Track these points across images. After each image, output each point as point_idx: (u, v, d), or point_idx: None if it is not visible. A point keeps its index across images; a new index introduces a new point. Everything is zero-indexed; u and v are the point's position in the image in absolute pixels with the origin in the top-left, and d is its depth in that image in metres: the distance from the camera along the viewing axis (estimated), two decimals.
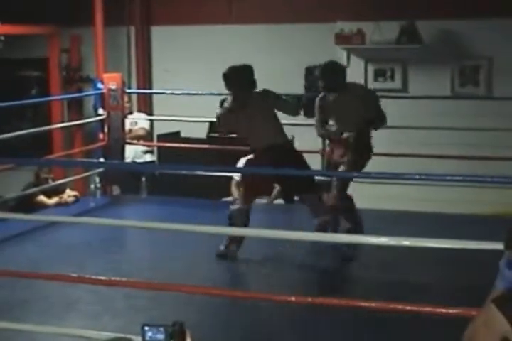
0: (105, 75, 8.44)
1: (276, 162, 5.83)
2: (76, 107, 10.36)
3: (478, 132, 8.06)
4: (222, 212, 6.37)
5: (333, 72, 6.59)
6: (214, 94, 8.58)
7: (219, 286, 5.37)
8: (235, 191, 8.71)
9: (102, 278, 4.56)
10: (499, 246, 2.77)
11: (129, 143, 8.59)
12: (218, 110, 6.42)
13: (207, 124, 9.07)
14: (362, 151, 6.47)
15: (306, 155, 9.56)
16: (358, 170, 6.30)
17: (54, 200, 8.20)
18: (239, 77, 6.37)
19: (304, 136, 9.26)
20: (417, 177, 4.97)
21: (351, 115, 6.45)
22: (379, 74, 9.01)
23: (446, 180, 4.31)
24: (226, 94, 8.82)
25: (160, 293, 5.07)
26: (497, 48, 8.57)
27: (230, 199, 8.62)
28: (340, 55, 8.96)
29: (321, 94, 6.63)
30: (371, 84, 9.00)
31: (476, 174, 6.00)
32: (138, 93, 9.95)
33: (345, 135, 6.48)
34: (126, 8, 10.08)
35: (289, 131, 6.63)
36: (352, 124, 6.48)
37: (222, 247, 6.27)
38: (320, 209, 6.21)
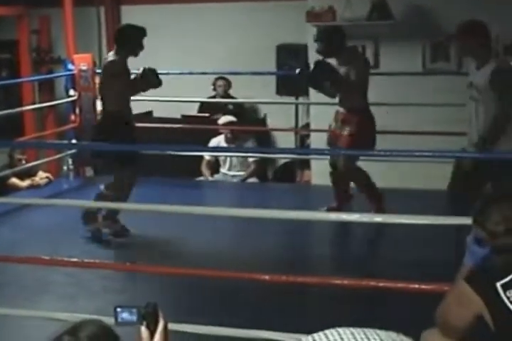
0: (76, 56, 8.37)
1: None
2: (47, 89, 10.28)
3: (450, 107, 8.09)
4: (195, 192, 6.38)
5: (328, 35, 6.66)
6: (185, 74, 8.57)
7: (193, 266, 5.37)
8: (205, 171, 8.74)
9: (76, 260, 4.55)
10: (466, 221, 2.80)
11: None
12: None
13: (179, 104, 9.04)
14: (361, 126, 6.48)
15: (280, 134, 9.65)
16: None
17: (26, 182, 8.16)
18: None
19: (277, 114, 9.32)
20: (388, 153, 4.98)
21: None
22: None
23: (417, 156, 4.32)
24: (197, 74, 8.83)
25: (135, 274, 5.08)
26: None
27: (201, 178, 8.64)
28: (312, 33, 8.93)
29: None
30: None
31: (448, 149, 6.03)
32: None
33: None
34: None
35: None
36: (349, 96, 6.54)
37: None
38: None
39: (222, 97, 9.27)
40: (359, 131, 6.49)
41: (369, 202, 6.39)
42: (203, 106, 9.39)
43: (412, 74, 8.49)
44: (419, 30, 8.70)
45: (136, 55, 6.37)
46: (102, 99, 6.53)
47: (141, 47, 6.40)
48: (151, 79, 6.47)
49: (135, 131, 6.62)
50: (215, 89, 9.40)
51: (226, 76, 9.23)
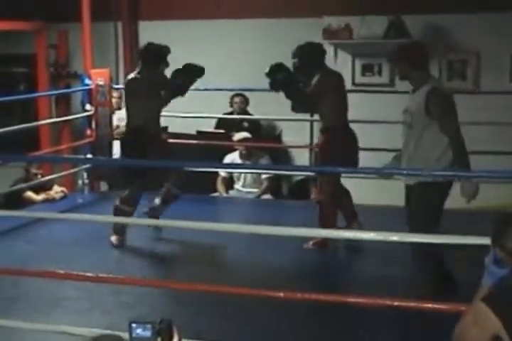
0: (93, 71, 8.42)
1: None
2: (64, 103, 10.32)
3: (466, 126, 8.06)
4: (209, 207, 6.38)
5: (304, 52, 6.43)
6: (201, 90, 8.57)
7: (207, 282, 5.36)
8: (220, 187, 8.73)
9: (90, 274, 4.54)
10: (484, 241, 2.78)
11: (117, 139, 8.56)
12: None
13: (194, 120, 9.05)
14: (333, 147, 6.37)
15: (295, 150, 9.64)
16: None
17: (42, 196, 8.19)
18: None
19: (293, 131, 9.32)
20: (405, 172, 4.97)
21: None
22: (366, 69, 9.01)
23: (434, 175, 4.31)
24: (213, 90, 8.85)
25: (149, 289, 5.07)
26: (484, 43, 8.57)
27: (216, 195, 8.64)
28: (328, 50, 8.94)
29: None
30: (359, 79, 9.01)
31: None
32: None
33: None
34: (113, 3, 10.05)
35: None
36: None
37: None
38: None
39: (239, 114, 9.26)
40: (323, 152, 6.44)
41: (320, 218, 6.37)
42: (220, 123, 9.40)
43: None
44: (435, 48, 8.70)
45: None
46: (127, 115, 6.62)
47: (166, 64, 6.45)
48: (192, 69, 6.55)
49: (164, 145, 6.61)
50: (232, 106, 9.41)
51: (244, 92, 9.24)
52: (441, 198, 5.09)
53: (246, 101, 9.32)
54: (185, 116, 8.52)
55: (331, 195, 6.36)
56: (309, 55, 6.41)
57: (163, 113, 8.79)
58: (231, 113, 9.35)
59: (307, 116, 8.89)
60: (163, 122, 9.45)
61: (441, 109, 5.00)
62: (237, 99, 9.32)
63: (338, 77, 6.52)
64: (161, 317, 2.42)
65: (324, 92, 6.31)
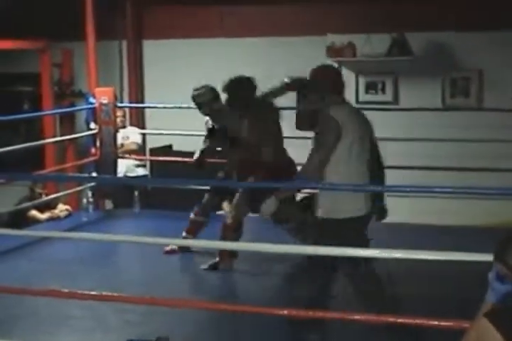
0: (97, 90, 8.45)
1: None
2: (68, 122, 10.35)
3: (469, 143, 8.09)
4: (215, 226, 6.38)
5: (232, 87, 6.29)
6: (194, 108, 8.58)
7: (212, 300, 5.36)
8: (226, 205, 8.71)
9: (94, 293, 4.54)
10: (489, 258, 2.78)
11: (121, 157, 8.59)
12: None
13: (199, 138, 9.06)
14: None
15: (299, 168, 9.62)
16: None
17: (46, 215, 8.19)
18: None
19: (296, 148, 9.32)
20: (408, 189, 4.97)
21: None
22: (370, 86, 9.04)
23: (436, 191, 4.31)
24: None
25: (153, 307, 5.06)
26: (487, 60, 8.60)
27: (221, 212, 8.63)
28: None
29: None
30: (362, 97, 9.03)
31: (467, 185, 6.01)
32: (130, 107, 9.95)
33: None
34: (117, 21, 10.10)
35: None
36: None
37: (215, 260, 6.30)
38: None
39: None
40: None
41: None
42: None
43: (432, 110, 8.50)
44: (438, 66, 8.75)
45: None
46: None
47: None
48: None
49: None
50: None
51: None
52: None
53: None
54: (187, 134, 8.53)
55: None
56: (237, 90, 6.30)
57: (166, 131, 8.86)
58: None
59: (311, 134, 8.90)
60: (166, 141, 9.56)
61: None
62: None
63: (270, 116, 6.39)
64: (158, 335, 2.43)
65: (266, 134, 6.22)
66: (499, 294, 2.65)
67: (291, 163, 6.30)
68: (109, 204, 8.96)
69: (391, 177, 7.16)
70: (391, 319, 3.80)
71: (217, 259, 6.29)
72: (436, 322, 3.68)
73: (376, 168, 4.82)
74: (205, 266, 6.32)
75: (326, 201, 4.58)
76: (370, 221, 4.72)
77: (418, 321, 3.74)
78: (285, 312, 4.08)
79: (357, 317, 3.87)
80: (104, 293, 4.58)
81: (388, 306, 4.40)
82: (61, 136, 9.79)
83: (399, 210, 7.68)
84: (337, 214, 4.53)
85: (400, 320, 3.77)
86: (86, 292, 4.55)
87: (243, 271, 6.36)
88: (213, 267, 6.29)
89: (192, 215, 6.74)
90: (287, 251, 4.39)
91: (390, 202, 7.56)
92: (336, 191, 4.52)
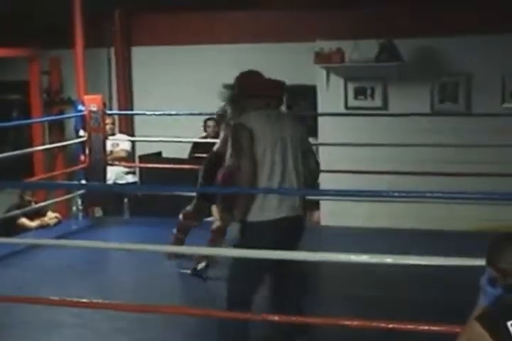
0: (86, 97, 8.43)
1: None
2: (57, 129, 10.34)
3: (458, 148, 8.11)
4: (204, 232, 6.36)
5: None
6: (194, 115, 8.59)
7: (203, 307, 5.35)
8: (215, 211, 8.70)
9: (85, 300, 4.53)
10: (481, 262, 2.78)
11: (111, 165, 8.58)
12: None
13: (188, 145, 9.07)
14: None
15: None
16: None
17: (36, 223, 8.18)
18: None
19: None
20: (396, 194, 4.97)
21: None
22: (359, 92, 9.04)
23: (426, 196, 4.32)
24: (207, 114, 8.87)
25: (144, 314, 5.05)
26: (475, 65, 8.62)
27: (211, 219, 8.62)
28: (320, 74, 9.00)
29: None
30: (351, 103, 9.04)
31: (457, 191, 6.02)
32: (119, 114, 9.94)
33: None
34: (105, 29, 10.10)
35: None
36: None
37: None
38: None
39: (213, 138, 9.02)
40: None
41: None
42: (195, 148, 9.21)
43: (421, 115, 8.51)
44: (427, 71, 8.76)
45: None
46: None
47: None
48: None
49: None
50: (205, 130, 9.27)
51: None
52: None
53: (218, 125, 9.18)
54: (178, 141, 8.52)
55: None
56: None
57: (155, 138, 8.84)
58: (205, 137, 9.21)
59: None
60: (155, 148, 9.55)
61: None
62: (210, 123, 9.20)
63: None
64: None
65: None
66: (491, 298, 2.66)
67: None
68: (98, 212, 8.94)
69: (382, 182, 7.23)
70: (382, 324, 3.79)
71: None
72: (427, 327, 3.68)
73: (307, 174, 4.67)
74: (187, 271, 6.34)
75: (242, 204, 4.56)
76: (293, 224, 4.58)
77: (409, 326, 3.73)
78: (276, 318, 4.07)
79: (347, 322, 3.86)
80: (94, 301, 4.57)
81: (379, 311, 4.40)
82: (50, 143, 9.78)
83: (388, 215, 7.76)
84: (250, 216, 4.51)
85: (391, 326, 3.76)
86: (76, 299, 4.53)
87: None
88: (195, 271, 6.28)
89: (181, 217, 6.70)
90: (275, 256, 4.37)
91: (379, 207, 7.63)
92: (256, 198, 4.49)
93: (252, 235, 4.52)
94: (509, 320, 2.51)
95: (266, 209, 4.50)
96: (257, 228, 4.51)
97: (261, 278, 4.58)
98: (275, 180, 4.50)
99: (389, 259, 3.90)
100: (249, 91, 4.76)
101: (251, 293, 4.48)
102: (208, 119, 9.18)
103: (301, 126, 4.79)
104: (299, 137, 4.67)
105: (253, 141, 4.47)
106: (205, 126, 9.25)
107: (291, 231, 4.59)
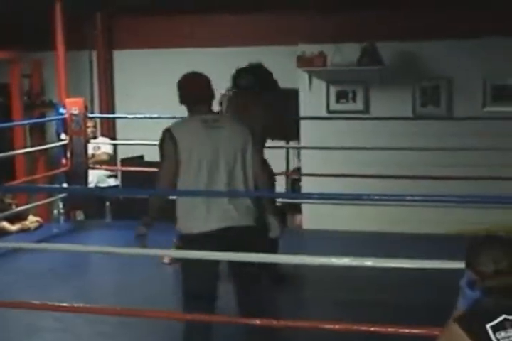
0: (67, 100, 8.41)
1: None
2: (38, 132, 10.29)
3: (440, 152, 8.14)
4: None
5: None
6: (177, 118, 8.55)
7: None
8: None
9: (66, 304, 4.51)
10: (460, 265, 2.80)
11: (92, 168, 8.56)
12: None
13: None
14: None
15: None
16: None
17: (17, 226, 8.13)
18: None
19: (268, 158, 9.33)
20: (377, 197, 4.98)
21: None
22: (341, 95, 9.06)
23: (406, 200, 4.33)
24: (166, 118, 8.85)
25: (125, 318, 5.04)
26: (456, 69, 8.66)
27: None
28: (303, 78, 9.01)
29: None
30: (333, 106, 9.05)
31: (438, 194, 6.05)
32: (100, 117, 9.92)
33: None
34: (87, 32, 10.07)
35: None
36: None
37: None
38: None
39: None
40: None
41: None
42: None
43: (402, 119, 8.54)
44: (408, 75, 8.79)
45: None
46: None
47: None
48: None
49: None
50: None
51: None
52: None
53: None
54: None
55: None
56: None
57: (138, 141, 8.83)
58: None
59: (283, 143, 8.92)
60: (137, 151, 9.52)
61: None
62: None
63: None
64: None
65: None
66: (470, 300, 2.68)
67: None
68: (80, 215, 8.91)
69: (363, 186, 7.24)
70: (363, 327, 3.80)
71: None
72: (407, 330, 3.69)
73: (243, 180, 4.51)
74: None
75: (177, 214, 4.50)
76: (234, 236, 4.37)
77: (390, 329, 3.75)
78: (257, 321, 4.07)
79: (329, 326, 3.87)
80: (75, 305, 4.55)
81: (360, 315, 4.40)
82: (31, 146, 9.74)
83: (370, 219, 7.77)
84: (178, 225, 4.47)
85: (372, 329, 3.77)
86: (57, 303, 4.51)
87: None
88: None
89: None
90: (261, 259, 4.37)
91: (359, 211, 7.64)
92: (183, 207, 4.45)
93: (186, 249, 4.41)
94: (488, 322, 2.53)
95: (191, 219, 4.39)
96: (186, 243, 4.41)
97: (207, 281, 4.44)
98: (200, 187, 4.39)
99: (369, 262, 3.91)
100: (184, 95, 4.70)
101: (205, 292, 4.39)
102: None
103: (243, 133, 4.57)
104: (238, 146, 4.49)
105: (177, 148, 4.38)
106: None
107: (231, 244, 4.31)
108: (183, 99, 4.72)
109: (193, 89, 4.69)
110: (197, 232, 4.35)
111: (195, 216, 4.38)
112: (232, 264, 4.43)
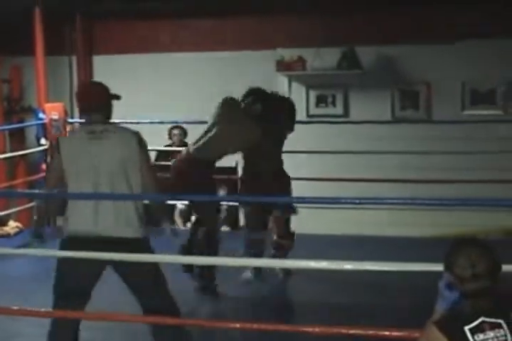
0: (47, 105, 8.39)
1: None
2: (18, 138, 10.26)
3: (419, 155, 8.18)
4: (165, 241, 6.34)
5: None
6: (156, 123, 8.57)
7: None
8: (178, 219, 8.70)
9: (44, 310, 4.49)
10: (439, 268, 2.82)
11: None
12: None
13: (152, 153, 9.03)
14: None
15: None
16: None
17: None
18: None
19: None
20: (357, 201, 4.98)
21: None
22: (320, 100, 9.09)
23: (387, 203, 4.35)
24: (169, 123, 8.86)
25: (106, 323, 5.03)
26: (435, 73, 8.71)
27: (174, 227, 8.60)
28: (282, 82, 9.04)
29: None
30: (313, 110, 9.08)
31: (416, 197, 6.07)
32: (80, 123, 9.87)
33: None
34: (67, 37, 10.05)
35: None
36: None
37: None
38: None
39: (179, 146, 9.00)
40: None
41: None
42: (160, 156, 9.21)
43: (382, 123, 8.58)
44: (387, 79, 8.84)
45: None
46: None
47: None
48: None
49: None
50: (170, 138, 9.27)
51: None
52: None
53: (185, 133, 9.19)
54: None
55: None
56: None
57: None
58: (170, 145, 9.20)
59: None
60: None
61: None
62: (175, 132, 9.19)
63: None
64: None
65: None
66: (448, 302, 2.70)
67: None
68: (60, 221, 8.87)
69: (344, 189, 7.25)
70: (343, 330, 3.81)
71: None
72: (387, 333, 3.70)
73: (128, 191, 4.55)
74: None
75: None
76: (107, 246, 4.39)
77: (370, 332, 3.75)
78: (237, 325, 4.08)
79: (309, 329, 3.87)
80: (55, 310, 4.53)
81: (341, 317, 4.41)
82: (11, 152, 9.70)
83: (352, 222, 7.78)
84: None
85: (352, 332, 3.78)
86: (36, 309, 4.49)
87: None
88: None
89: None
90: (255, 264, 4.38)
91: (343, 214, 7.64)
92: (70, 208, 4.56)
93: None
94: (466, 324, 2.55)
95: (67, 220, 4.58)
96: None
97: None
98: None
99: (348, 266, 3.92)
100: (78, 104, 4.63)
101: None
102: (173, 128, 9.18)
103: (130, 144, 4.46)
104: (120, 157, 4.39)
105: (61, 159, 4.37)
106: (171, 135, 9.25)
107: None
108: (79, 108, 4.69)
109: (86, 99, 4.58)
110: (67, 235, 4.56)
111: (71, 216, 4.62)
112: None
